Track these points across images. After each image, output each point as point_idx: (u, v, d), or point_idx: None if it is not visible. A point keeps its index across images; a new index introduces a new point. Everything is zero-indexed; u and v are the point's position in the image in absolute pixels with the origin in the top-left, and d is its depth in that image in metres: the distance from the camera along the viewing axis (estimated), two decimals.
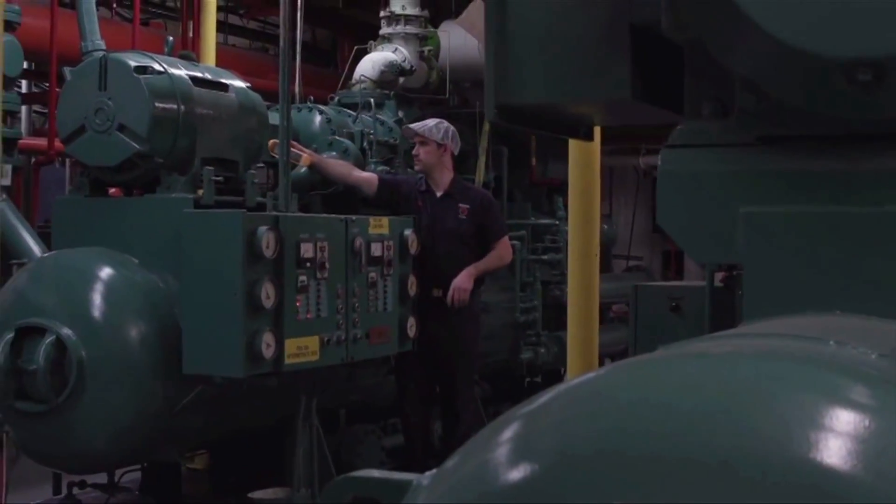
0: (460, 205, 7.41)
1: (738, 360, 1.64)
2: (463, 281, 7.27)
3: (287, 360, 6.26)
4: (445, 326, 7.33)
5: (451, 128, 7.56)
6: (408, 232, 7.39)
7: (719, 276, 4.63)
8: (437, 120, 7.66)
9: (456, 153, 7.66)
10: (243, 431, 7.34)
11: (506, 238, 7.61)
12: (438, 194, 7.46)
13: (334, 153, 7.76)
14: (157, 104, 6.46)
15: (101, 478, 7.02)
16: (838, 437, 1.38)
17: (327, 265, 6.53)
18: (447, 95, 9.34)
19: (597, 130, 5.89)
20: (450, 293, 7.26)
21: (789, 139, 2.44)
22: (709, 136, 2.50)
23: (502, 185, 9.85)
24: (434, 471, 1.80)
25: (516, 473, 1.52)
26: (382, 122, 8.33)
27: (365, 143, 7.93)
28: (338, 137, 7.86)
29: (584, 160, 5.68)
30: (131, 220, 6.61)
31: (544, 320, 9.97)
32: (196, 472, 8.46)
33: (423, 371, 7.48)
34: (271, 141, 7.01)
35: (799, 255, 2.35)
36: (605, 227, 11.46)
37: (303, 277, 6.36)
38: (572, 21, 2.67)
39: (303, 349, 6.38)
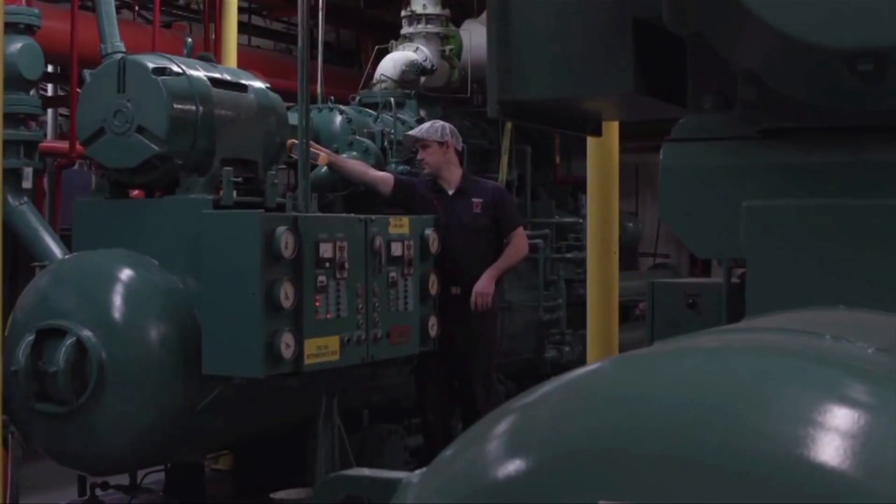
0: (473, 199, 7.42)
1: (729, 356, 1.62)
2: (485, 286, 7.27)
3: (307, 361, 6.25)
4: (464, 324, 7.32)
5: (448, 125, 7.61)
6: (428, 231, 7.37)
7: (738, 272, 4.58)
8: (432, 121, 7.74)
9: (459, 149, 7.67)
10: (265, 432, 7.35)
11: (520, 228, 7.58)
12: (450, 192, 7.49)
13: (355, 153, 7.75)
14: (175, 105, 6.46)
15: (125, 479, 7.04)
16: (828, 433, 1.36)
17: (347, 265, 6.51)
18: (469, 94, 9.31)
19: (613, 127, 5.88)
20: (472, 298, 7.26)
21: (791, 132, 2.41)
22: (711, 129, 2.47)
23: (526, 183, 9.83)
24: (423, 469, 1.79)
25: (507, 469, 1.50)
26: (403, 122, 8.32)
27: (385, 143, 7.92)
28: (358, 137, 7.86)
29: (602, 157, 5.66)
30: (151, 222, 6.63)
31: (568, 319, 9.94)
32: (220, 473, 8.48)
33: (442, 370, 7.49)
34: (289, 141, 7.02)
35: (802, 249, 2.32)
36: (631, 224, 11.42)
37: (322, 277, 6.35)
38: (574, 16, 2.65)
39: (322, 349, 6.37)
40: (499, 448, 1.59)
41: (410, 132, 7.58)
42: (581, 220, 10.19)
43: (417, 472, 1.77)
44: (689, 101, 2.57)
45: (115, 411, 6.19)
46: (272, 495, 7.08)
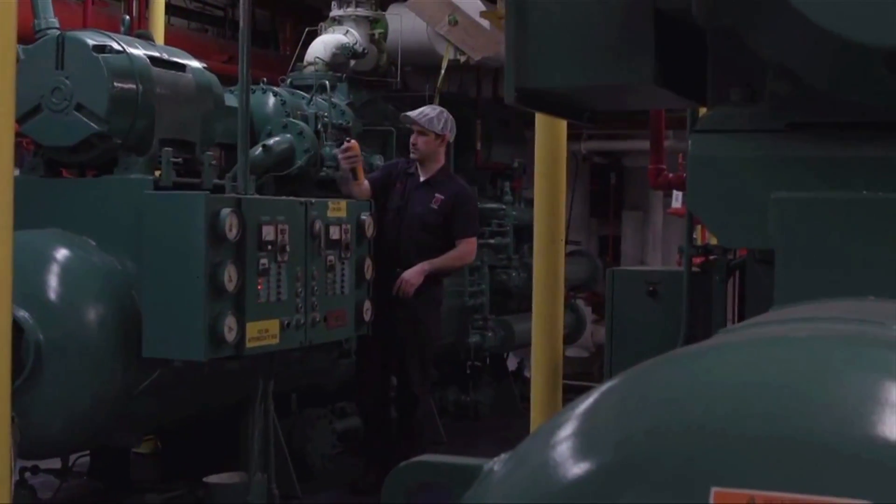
0: (436, 194, 7.41)
1: (824, 345, 1.65)
2: (412, 275, 7.29)
3: (248, 344, 6.22)
4: (404, 307, 7.34)
5: (451, 117, 7.58)
6: (364, 216, 7.36)
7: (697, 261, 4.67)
8: (436, 109, 7.64)
9: (451, 140, 7.75)
10: (199, 416, 7.27)
11: (472, 239, 7.58)
12: (421, 179, 7.51)
13: (289, 135, 7.69)
14: (115, 84, 6.36)
15: (55, 462, 6.91)
16: None
17: (288, 248, 6.48)
18: (397, 79, 9.29)
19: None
20: (397, 283, 7.27)
21: (819, 125, 2.46)
22: (738, 121, 2.51)
23: (449, 168, 9.81)
24: (506, 455, 1.78)
25: (610, 455, 1.50)
26: (335, 105, 8.27)
27: (319, 126, 7.87)
28: (292, 119, 7.80)
29: (550, 144, 5.68)
30: (89, 202, 6.51)
31: (491, 304, 9.99)
32: (142, 457, 8.36)
33: (379, 352, 7.51)
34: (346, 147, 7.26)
35: (830, 241, 2.36)
36: None
37: (264, 261, 6.32)
38: (596, 5, 2.67)
39: (264, 332, 6.34)
40: (598, 432, 1.59)
41: (410, 114, 7.52)
42: (504, 207, 10.25)
43: (499, 458, 1.77)
44: (712, 93, 2.61)
45: (51, 394, 6.08)
46: (206, 479, 7.02)
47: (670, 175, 7.04)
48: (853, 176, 2.41)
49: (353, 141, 7.20)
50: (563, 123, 5.76)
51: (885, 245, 2.32)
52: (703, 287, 4.57)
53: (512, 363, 11.77)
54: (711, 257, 4.64)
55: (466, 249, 7.47)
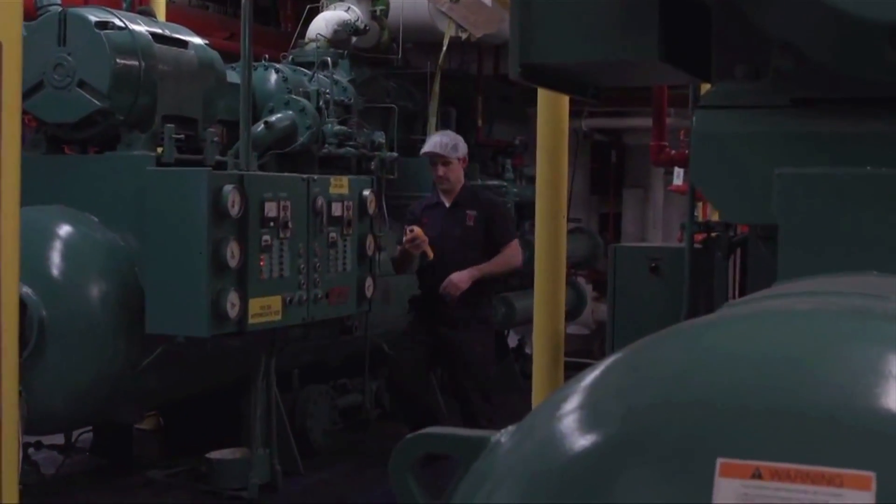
0: (468, 212, 7.30)
1: (831, 318, 1.66)
2: (460, 277, 7.08)
3: (251, 320, 6.24)
4: (456, 332, 7.18)
5: (460, 138, 7.56)
6: (366, 192, 7.38)
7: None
8: (448, 135, 7.58)
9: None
10: (201, 392, 7.29)
11: (515, 241, 7.45)
12: (447, 204, 7.38)
13: (291, 112, 7.68)
14: (118, 60, 6.36)
15: (58, 438, 6.94)
16: None
17: (290, 225, 6.50)
18: (399, 55, 9.28)
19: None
20: (444, 283, 7.09)
21: (824, 101, 2.46)
22: (742, 97, 2.52)
23: None
24: (512, 427, 1.79)
25: (618, 425, 1.51)
26: (337, 82, 8.27)
27: (321, 103, 7.86)
28: (294, 96, 7.79)
29: (552, 121, 5.69)
30: (91, 179, 6.52)
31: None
32: (145, 433, 8.39)
33: (420, 361, 7.43)
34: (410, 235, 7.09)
35: (834, 216, 2.37)
36: None
37: (266, 237, 6.34)
38: None
39: (266, 309, 6.36)
40: (604, 405, 1.60)
41: (431, 150, 7.34)
42: (505, 184, 10.24)
43: (506, 430, 1.78)
44: (716, 69, 2.61)
45: (55, 370, 6.10)
46: (208, 455, 7.05)
47: (672, 152, 7.02)
48: (857, 152, 2.41)
49: (416, 229, 7.08)
50: (566, 100, 5.77)
51: (888, 221, 2.33)
52: (704, 263, 4.58)
53: (513, 340, 11.79)
54: (713, 234, 4.64)
55: (511, 253, 7.33)
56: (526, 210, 10.86)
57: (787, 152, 2.45)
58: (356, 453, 8.22)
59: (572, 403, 1.64)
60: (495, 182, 10.17)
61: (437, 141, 7.34)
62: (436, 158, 7.25)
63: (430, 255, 6.97)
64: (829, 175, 2.38)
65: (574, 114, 13.14)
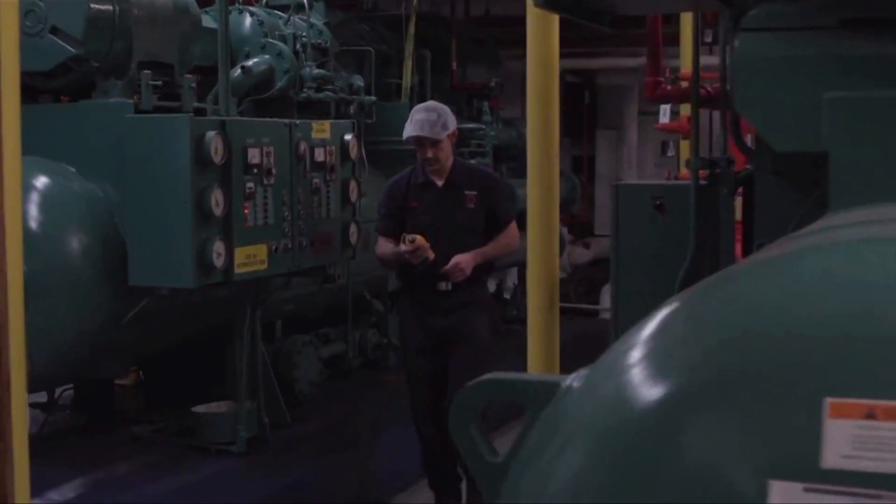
0: (466, 192, 6.19)
1: None
2: (465, 260, 6.02)
3: (237, 270, 6.10)
4: (455, 318, 6.11)
5: (446, 107, 6.25)
6: (348, 137, 7.23)
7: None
8: (432, 110, 6.14)
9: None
10: (184, 344, 7.15)
11: (513, 223, 6.39)
12: (440, 184, 6.18)
13: (267, 56, 7.50)
14: (91, 5, 6.16)
15: (40, 396, 6.79)
16: None
17: (273, 171, 6.34)
18: None
19: (556, 30, 5.79)
20: (450, 263, 5.99)
21: (873, 21, 2.34)
22: (787, 18, 2.40)
23: (426, 89, 9.67)
24: (584, 371, 1.67)
25: (714, 363, 1.38)
26: (312, 25, 8.08)
27: (298, 46, 7.67)
28: (270, 40, 7.60)
29: (542, 61, 5.54)
30: (67, 128, 6.33)
31: None
32: (125, 389, 8.25)
33: (430, 372, 6.20)
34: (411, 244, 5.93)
35: (885, 141, 2.26)
36: (525, 130, 11.34)
37: (250, 184, 6.19)
38: None
39: (251, 258, 6.22)
40: (689, 344, 1.48)
41: (413, 133, 6.06)
42: (483, 127, 10.11)
43: (577, 374, 1.66)
44: None
45: (36, 327, 5.89)
46: (194, 409, 6.93)
47: (668, 87, 6.87)
48: None
49: (418, 239, 5.90)
50: (556, 38, 5.62)
51: None
52: (710, 200, 4.47)
53: (490, 285, 11.70)
54: (717, 170, 4.52)
55: (513, 234, 6.38)
56: (502, 153, 10.75)
57: (837, 75, 2.34)
58: (342, 402, 8.12)
59: (651, 345, 1.52)
60: (472, 125, 10.03)
61: (422, 120, 6.07)
62: (423, 141, 6.06)
63: (432, 256, 5.97)
64: (882, 98, 2.26)
65: None
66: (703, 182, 4.56)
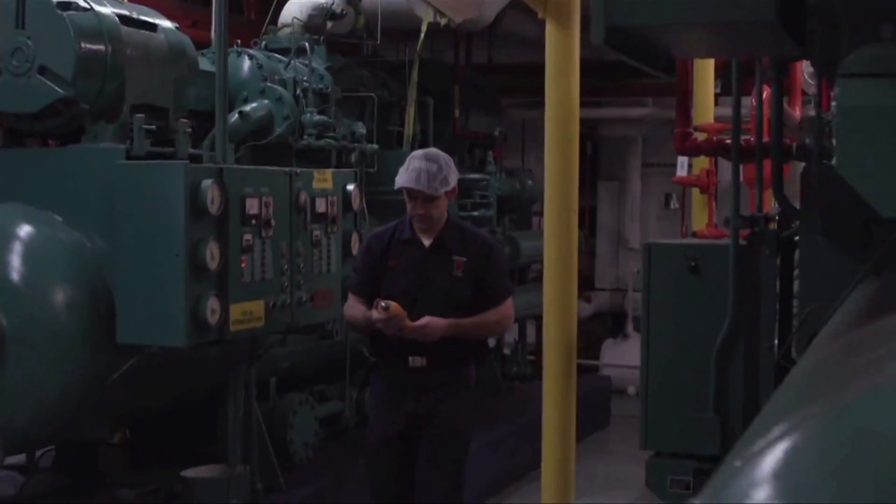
0: (455, 257, 5.40)
1: None
2: (437, 325, 5.21)
3: (232, 327, 5.74)
4: (429, 401, 5.37)
5: (449, 159, 5.46)
6: (350, 187, 6.89)
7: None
8: (433, 161, 5.34)
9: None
10: (174, 404, 6.77)
11: (509, 300, 5.53)
12: (426, 243, 5.44)
13: (267, 101, 7.17)
14: (82, 44, 5.83)
15: (19, 457, 6.40)
16: None
17: (272, 222, 5.99)
18: (377, 41, 8.76)
19: (576, 81, 5.48)
20: (421, 322, 5.19)
21: None
22: (893, 62, 2.05)
23: (428, 137, 9.35)
24: (698, 500, 1.33)
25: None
26: (314, 70, 7.76)
27: (298, 91, 7.35)
28: (270, 84, 7.28)
29: (562, 110, 5.26)
30: (54, 174, 6.00)
31: None
32: (110, 447, 7.85)
33: (399, 458, 5.46)
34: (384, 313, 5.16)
35: None
36: (530, 182, 11.07)
37: (248, 236, 5.84)
38: None
39: (248, 315, 5.86)
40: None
41: (414, 187, 5.25)
42: (487, 177, 9.79)
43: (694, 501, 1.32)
44: (851, 30, 2.15)
45: (18, 385, 5.59)
46: (183, 473, 6.54)
47: (699, 139, 6.51)
48: None
49: (392, 306, 5.10)
50: (576, 87, 5.33)
51: None
52: (750, 261, 4.13)
53: (490, 340, 11.35)
54: (758, 230, 4.20)
55: (506, 314, 5.52)
56: (506, 204, 10.42)
57: None
58: (337, 465, 7.73)
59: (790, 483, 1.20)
60: (476, 175, 9.71)
61: (421, 169, 5.29)
62: (416, 194, 5.32)
63: (409, 328, 5.20)
64: None
65: (540, 104, 12.73)
66: (742, 242, 4.25)
